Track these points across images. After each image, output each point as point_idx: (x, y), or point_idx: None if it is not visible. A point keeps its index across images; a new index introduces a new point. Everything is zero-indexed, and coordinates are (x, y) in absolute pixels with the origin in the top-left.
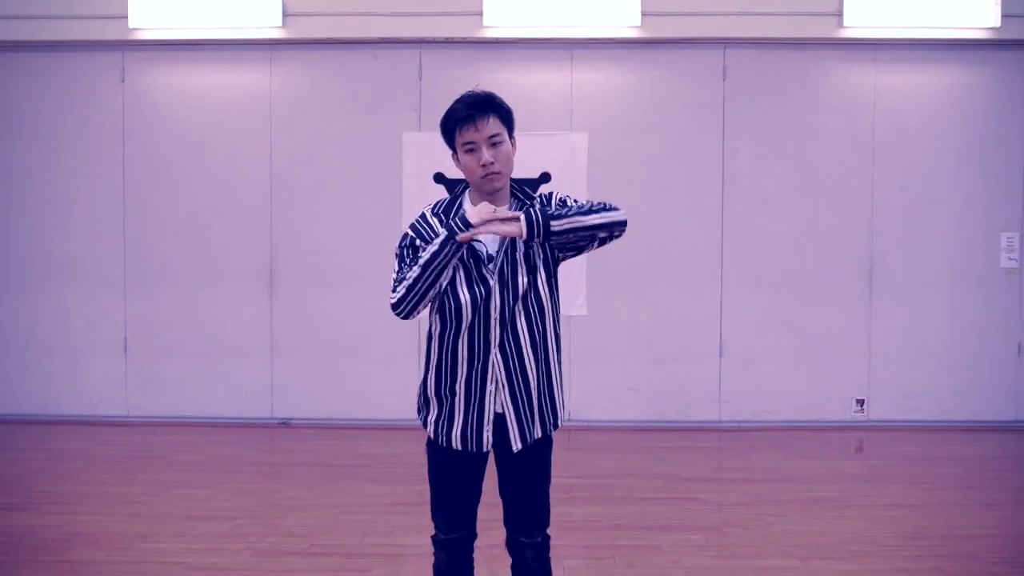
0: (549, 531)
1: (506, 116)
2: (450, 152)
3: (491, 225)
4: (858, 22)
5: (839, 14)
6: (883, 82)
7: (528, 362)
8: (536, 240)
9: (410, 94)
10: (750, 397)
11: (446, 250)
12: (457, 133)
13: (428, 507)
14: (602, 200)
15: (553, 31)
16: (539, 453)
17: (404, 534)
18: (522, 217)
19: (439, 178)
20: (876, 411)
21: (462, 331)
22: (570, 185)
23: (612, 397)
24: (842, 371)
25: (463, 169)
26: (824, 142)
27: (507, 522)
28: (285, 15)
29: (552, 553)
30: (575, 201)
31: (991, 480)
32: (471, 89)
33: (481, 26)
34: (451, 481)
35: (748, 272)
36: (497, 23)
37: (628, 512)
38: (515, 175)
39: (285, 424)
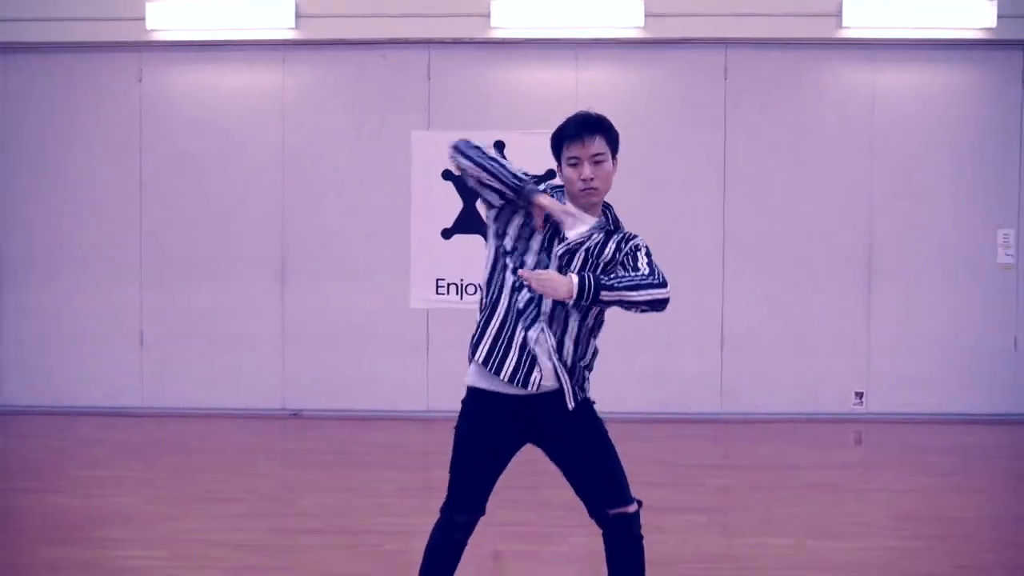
0: None
1: (612, 138)
2: (555, 163)
3: (544, 285)
4: (856, 23)
5: (838, 15)
6: (881, 81)
7: (568, 342)
8: (581, 304)
9: (419, 93)
10: (751, 389)
11: (518, 186)
12: (564, 147)
13: (438, 493)
14: (654, 270)
15: (559, 32)
16: (592, 416)
17: (416, 515)
18: (575, 280)
19: (447, 175)
20: (874, 404)
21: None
22: None
23: (615, 388)
24: (841, 364)
25: (565, 181)
26: (823, 140)
27: (599, 500)
28: (298, 16)
29: (557, 530)
30: (646, 256)
31: (983, 468)
32: (585, 109)
33: (488, 27)
34: (480, 444)
35: (749, 266)
36: (504, 24)
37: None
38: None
39: (296, 415)
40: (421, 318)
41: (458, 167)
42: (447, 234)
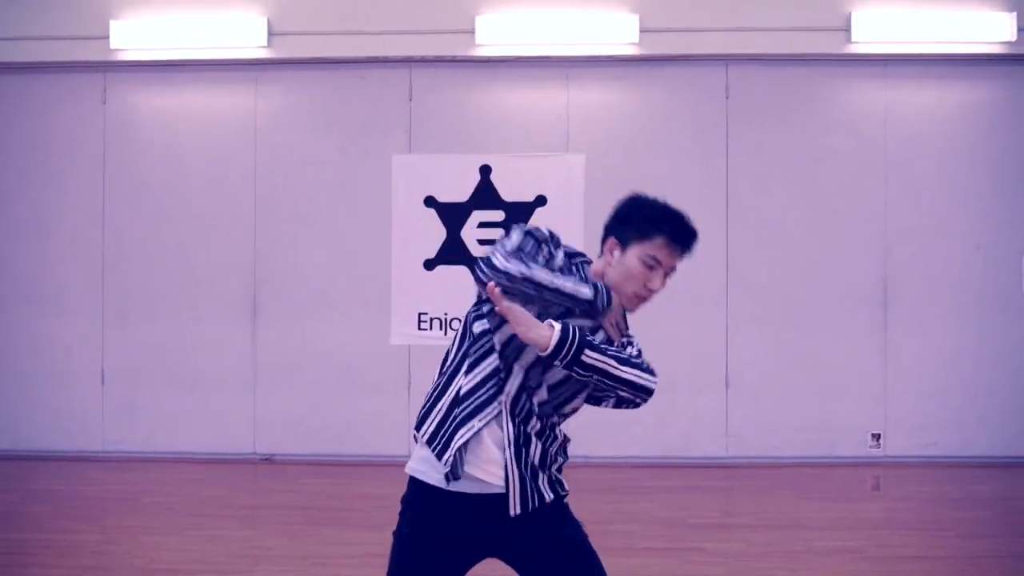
0: None
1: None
2: (608, 237)
3: (519, 321)
4: (867, 37)
5: (847, 29)
6: (894, 99)
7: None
8: (557, 362)
9: (400, 115)
10: (758, 432)
11: (573, 301)
12: (650, 241)
13: None
14: (643, 361)
15: (548, 49)
16: (566, 519)
17: None
18: (558, 328)
19: (430, 201)
20: (893, 446)
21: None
22: (567, 209)
23: (613, 431)
24: (856, 404)
25: (622, 268)
26: (833, 163)
27: None
28: (271, 34)
29: None
30: (636, 348)
31: (1016, 526)
32: (684, 213)
33: (474, 44)
34: (424, 555)
35: (754, 300)
36: (490, 41)
37: (629, 564)
38: (509, 199)
39: (268, 460)
40: (402, 355)
41: (505, 282)
42: (430, 265)
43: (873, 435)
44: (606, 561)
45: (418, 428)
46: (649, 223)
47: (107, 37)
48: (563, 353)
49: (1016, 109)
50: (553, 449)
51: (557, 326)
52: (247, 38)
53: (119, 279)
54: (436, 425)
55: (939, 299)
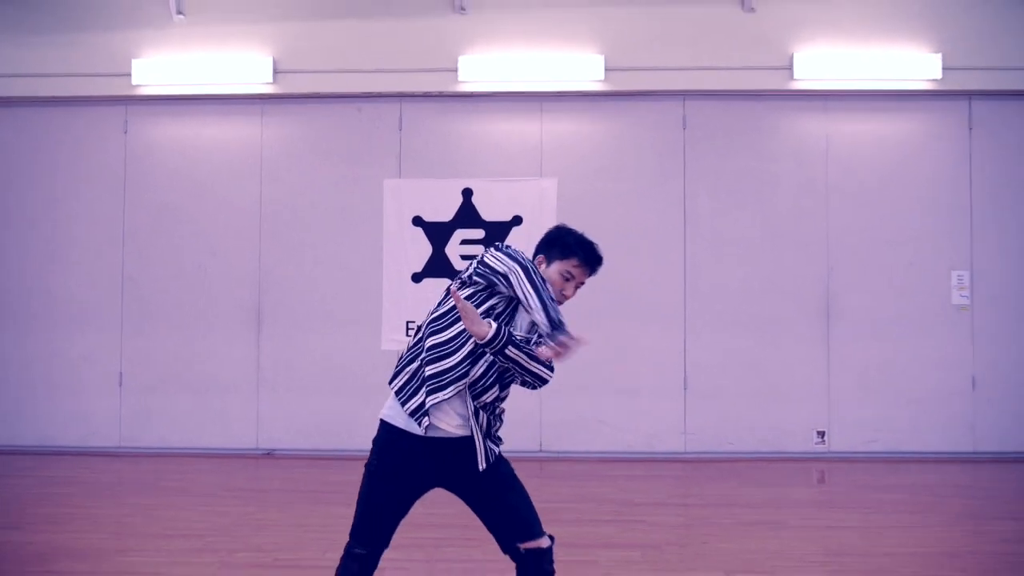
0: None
1: None
2: (539, 254)
3: (468, 314)
4: (808, 75)
5: (790, 68)
6: (834, 130)
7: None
8: (487, 350)
9: (391, 144)
10: (714, 430)
11: (555, 327)
12: (568, 260)
13: None
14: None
15: (524, 85)
16: (499, 458)
17: None
18: (493, 327)
19: (417, 221)
20: (836, 443)
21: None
22: (540, 227)
23: (583, 429)
24: (803, 404)
25: (549, 277)
26: (780, 187)
27: (510, 535)
28: (276, 72)
29: (492, 566)
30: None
31: (930, 505)
32: (595, 244)
33: (456, 81)
34: (388, 482)
35: (710, 310)
36: (471, 78)
37: (575, 532)
38: (489, 219)
39: (269, 455)
40: (392, 360)
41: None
42: (417, 278)
43: (818, 432)
44: (555, 529)
45: (391, 381)
46: (569, 247)
47: (129, 74)
48: (493, 345)
49: (943, 139)
50: (496, 418)
51: (494, 325)
52: (254, 76)
53: (136, 293)
54: (404, 382)
55: (877, 311)
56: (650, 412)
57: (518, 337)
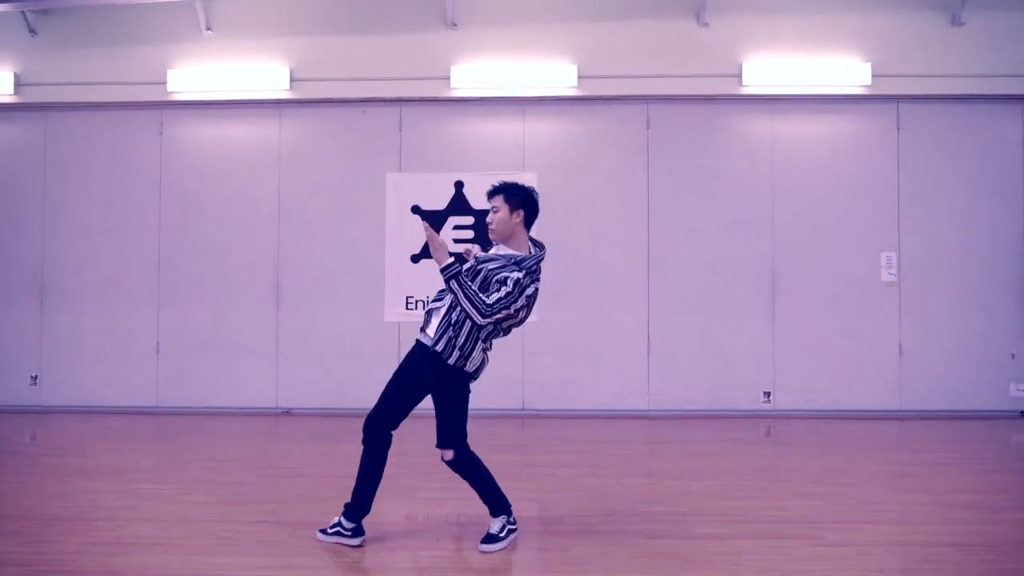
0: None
1: (508, 195)
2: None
3: (433, 242)
4: (755, 81)
5: (739, 75)
6: (779, 130)
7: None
8: (441, 273)
9: (392, 142)
10: (673, 390)
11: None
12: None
13: (405, 459)
14: (494, 302)
15: (508, 91)
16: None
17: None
18: (449, 260)
19: (415, 209)
20: (780, 401)
21: None
22: None
23: (558, 390)
24: (751, 368)
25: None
26: (732, 180)
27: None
28: (292, 80)
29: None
30: (501, 288)
31: (833, 442)
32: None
33: (449, 88)
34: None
35: (671, 286)
36: (462, 85)
37: (542, 459)
38: (478, 208)
39: (287, 413)
40: (393, 330)
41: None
42: (415, 259)
43: (764, 392)
44: (525, 456)
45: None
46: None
47: (164, 83)
48: (445, 273)
49: (873, 138)
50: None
51: (451, 259)
52: (274, 83)
53: (171, 272)
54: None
55: (816, 287)
56: (618, 375)
57: (468, 281)
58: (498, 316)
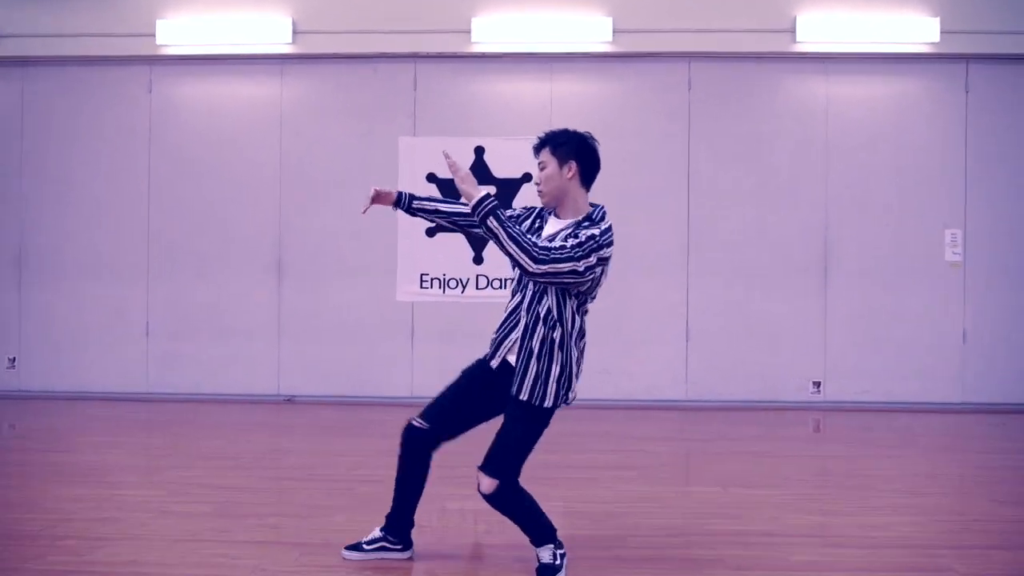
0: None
1: (555, 146)
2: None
3: (461, 176)
4: (810, 37)
5: (793, 31)
6: (834, 92)
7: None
8: (473, 213)
9: (406, 103)
10: (713, 379)
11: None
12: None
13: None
14: (550, 249)
15: (534, 47)
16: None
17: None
18: (481, 193)
19: (431, 178)
20: (831, 392)
21: None
22: None
23: (589, 378)
24: (799, 356)
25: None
26: (780, 146)
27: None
28: (295, 32)
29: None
30: (567, 240)
31: (909, 443)
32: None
33: (469, 42)
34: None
35: (712, 264)
36: (484, 39)
37: (577, 458)
38: (500, 175)
39: (290, 400)
40: (407, 310)
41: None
42: (431, 233)
43: (814, 382)
44: (560, 456)
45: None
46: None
47: (153, 35)
48: (478, 211)
49: (937, 101)
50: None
51: (483, 192)
52: (274, 36)
53: (162, 245)
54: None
55: (872, 266)
56: (653, 362)
57: (505, 217)
58: (559, 268)
